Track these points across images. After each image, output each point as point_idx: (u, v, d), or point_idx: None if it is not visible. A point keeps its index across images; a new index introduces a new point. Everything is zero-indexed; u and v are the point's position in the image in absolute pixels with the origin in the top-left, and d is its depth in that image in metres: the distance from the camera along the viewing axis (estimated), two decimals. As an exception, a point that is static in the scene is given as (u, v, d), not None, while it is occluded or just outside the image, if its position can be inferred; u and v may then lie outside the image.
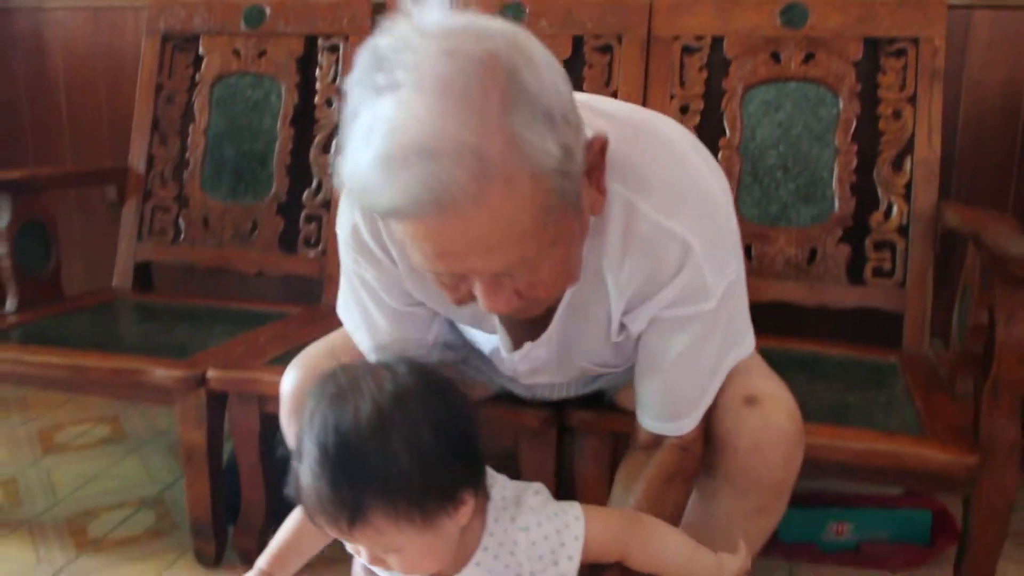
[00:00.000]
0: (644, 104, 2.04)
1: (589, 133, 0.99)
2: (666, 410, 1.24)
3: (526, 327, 1.24)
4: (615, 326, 1.20)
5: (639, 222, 1.09)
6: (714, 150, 2.02)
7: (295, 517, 1.26)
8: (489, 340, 1.34)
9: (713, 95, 2.09)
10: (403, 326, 1.28)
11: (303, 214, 2.32)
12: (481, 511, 1.10)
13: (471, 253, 0.93)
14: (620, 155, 1.06)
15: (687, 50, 2.09)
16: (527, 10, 2.15)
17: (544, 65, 0.91)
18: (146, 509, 2.14)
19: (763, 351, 1.41)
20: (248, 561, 1.84)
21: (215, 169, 2.41)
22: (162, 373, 1.76)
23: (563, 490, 1.68)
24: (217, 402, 1.79)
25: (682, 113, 2.06)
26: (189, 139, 2.43)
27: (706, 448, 1.28)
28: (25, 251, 2.22)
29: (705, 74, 2.09)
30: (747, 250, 2.01)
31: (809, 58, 2.03)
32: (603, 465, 1.59)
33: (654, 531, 1.16)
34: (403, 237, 0.96)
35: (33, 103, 2.83)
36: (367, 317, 1.30)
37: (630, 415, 1.32)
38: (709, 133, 2.04)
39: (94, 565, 1.90)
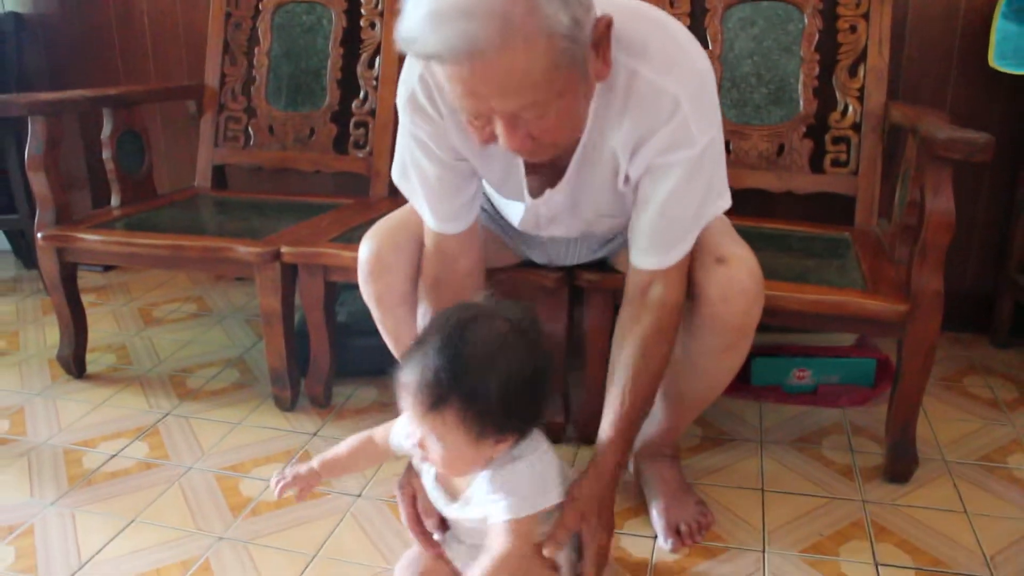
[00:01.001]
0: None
1: (598, 13, 1.11)
2: (655, 243, 1.32)
3: (546, 177, 1.35)
4: (621, 176, 1.31)
5: (639, 83, 1.20)
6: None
7: (353, 439, 1.35)
8: (516, 211, 1.46)
9: (697, 14, 2.14)
10: (450, 176, 1.38)
11: (352, 121, 2.39)
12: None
13: (492, 95, 1.06)
14: (625, 32, 1.17)
15: None
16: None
17: None
18: (231, 367, 2.29)
19: (739, 229, 1.53)
20: (317, 405, 2.03)
21: (277, 84, 2.48)
22: (244, 250, 1.89)
23: (573, 338, 1.82)
24: (289, 273, 1.92)
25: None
26: (254, 59, 2.49)
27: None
28: (124, 156, 2.33)
29: None
30: (726, 145, 2.09)
31: None
32: (606, 318, 1.72)
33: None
34: (441, 79, 1.09)
35: (121, 29, 2.87)
36: (421, 175, 1.39)
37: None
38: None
39: (194, 409, 2.07)
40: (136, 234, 2.04)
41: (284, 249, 1.88)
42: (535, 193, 1.39)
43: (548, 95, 1.08)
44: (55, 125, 2.09)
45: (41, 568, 1.50)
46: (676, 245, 1.33)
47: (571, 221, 1.46)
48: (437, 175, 1.38)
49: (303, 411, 2.05)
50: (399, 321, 1.57)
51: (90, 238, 2.03)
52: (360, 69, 2.38)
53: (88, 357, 2.28)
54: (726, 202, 1.37)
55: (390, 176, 2.19)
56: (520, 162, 1.34)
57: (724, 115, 2.09)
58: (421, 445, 1.16)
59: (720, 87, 2.11)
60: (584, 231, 1.52)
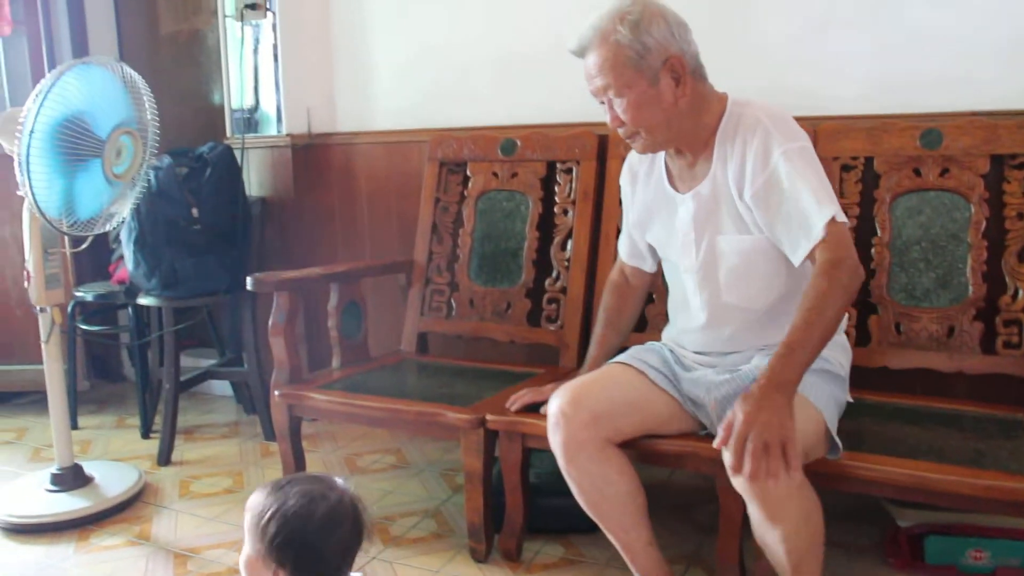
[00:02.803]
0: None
1: (684, 56, 1.75)
2: (800, 230, 1.70)
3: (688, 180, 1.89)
4: (735, 189, 1.78)
5: (742, 116, 1.78)
6: (868, 247, 2.24)
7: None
8: (688, 276, 1.92)
9: (867, 203, 2.28)
10: (636, 230, 2.06)
11: (545, 297, 2.61)
12: None
13: (593, 75, 1.77)
14: (747, 104, 1.80)
15: (845, 168, 2.29)
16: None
17: (657, 20, 1.72)
18: (428, 518, 2.49)
19: (909, 408, 1.67)
20: (509, 559, 2.19)
21: (479, 262, 2.75)
22: (454, 416, 2.12)
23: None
24: (491, 438, 2.13)
25: None
26: (459, 239, 2.78)
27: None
28: (346, 324, 2.64)
29: (860, 186, 2.28)
30: (896, 327, 2.21)
31: (945, 172, 2.19)
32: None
33: None
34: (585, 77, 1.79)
35: (343, 212, 3.27)
36: (623, 221, 2.13)
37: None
38: (864, 233, 2.26)
39: (397, 555, 2.27)
40: (357, 396, 2.30)
41: (489, 417, 2.10)
42: (681, 193, 1.90)
43: (618, 82, 1.73)
44: (294, 298, 2.43)
45: None
46: (819, 219, 1.67)
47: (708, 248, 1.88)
48: (628, 224, 2.08)
49: (495, 563, 2.21)
50: (580, 470, 1.83)
51: (318, 397, 2.32)
52: (553, 251, 2.63)
53: (304, 501, 2.53)
54: (840, 215, 1.70)
55: (579, 348, 2.41)
56: (674, 210, 1.90)
57: (893, 299, 2.22)
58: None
59: (889, 272, 2.23)
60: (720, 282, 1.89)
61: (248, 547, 1.36)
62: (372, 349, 2.78)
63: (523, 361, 2.71)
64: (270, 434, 3.13)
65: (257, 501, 1.35)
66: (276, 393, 2.39)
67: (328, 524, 1.32)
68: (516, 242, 2.70)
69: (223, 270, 3.02)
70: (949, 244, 2.20)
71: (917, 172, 2.22)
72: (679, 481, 2.68)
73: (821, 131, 2.31)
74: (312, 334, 3.24)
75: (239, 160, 3.16)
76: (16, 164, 2.30)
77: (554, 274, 2.62)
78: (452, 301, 2.77)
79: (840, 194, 2.28)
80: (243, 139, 3.27)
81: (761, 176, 1.73)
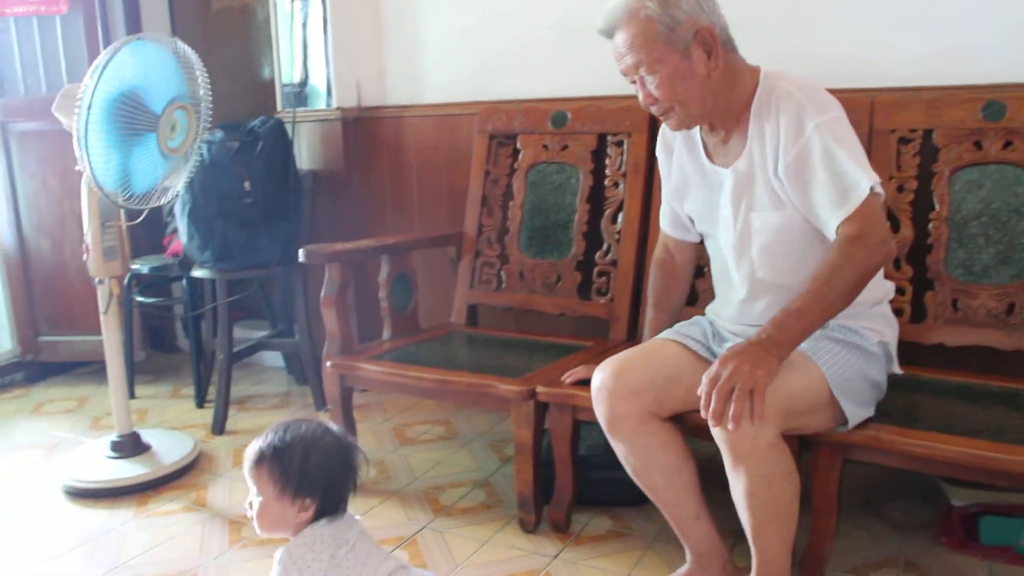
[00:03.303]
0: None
1: (714, 26, 1.74)
2: (834, 200, 1.68)
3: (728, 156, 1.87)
4: (771, 165, 1.76)
5: (775, 89, 1.76)
6: (925, 222, 2.20)
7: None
8: (728, 251, 1.91)
9: (924, 176, 2.23)
10: (675, 198, 2.04)
11: (595, 270, 2.61)
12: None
13: (624, 54, 1.75)
14: (779, 77, 1.78)
15: (903, 140, 2.25)
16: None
17: None
18: (477, 489, 2.52)
19: (965, 385, 1.64)
20: (558, 530, 2.21)
21: (528, 234, 2.75)
22: (504, 387, 2.14)
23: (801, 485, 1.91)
24: (542, 410, 2.14)
25: (898, 192, 2.23)
26: (509, 212, 2.79)
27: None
28: (396, 295, 2.67)
29: (918, 160, 2.24)
30: (953, 303, 2.17)
31: (1008, 145, 2.13)
32: (835, 469, 1.82)
33: None
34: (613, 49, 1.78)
35: (393, 185, 3.29)
36: (663, 192, 2.08)
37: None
38: (921, 208, 2.22)
39: (447, 524, 2.30)
40: (408, 367, 2.33)
41: (539, 389, 2.11)
42: (723, 169, 1.88)
43: (650, 58, 1.72)
44: (346, 270, 2.45)
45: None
46: (851, 191, 1.67)
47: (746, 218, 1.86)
48: (667, 194, 2.06)
49: (544, 534, 2.23)
50: (624, 442, 1.85)
51: (370, 368, 2.35)
52: (604, 223, 2.62)
53: (355, 470, 2.58)
54: (876, 186, 1.68)
55: (628, 320, 2.41)
56: (712, 184, 1.90)
57: (951, 275, 2.18)
58: (250, 504, 1.47)
59: (947, 248, 2.19)
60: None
61: (262, 494, 1.45)
62: (422, 321, 2.80)
63: (572, 334, 2.71)
64: (321, 404, 3.18)
65: (257, 447, 1.47)
66: (328, 364, 2.42)
67: (340, 451, 1.49)
68: (566, 214, 2.69)
69: (275, 243, 3.06)
70: (1011, 219, 2.14)
71: (978, 145, 2.17)
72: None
73: (878, 103, 2.27)
74: (362, 306, 3.27)
75: (290, 134, 3.18)
76: (75, 139, 2.35)
77: (604, 247, 2.61)
78: (502, 273, 2.78)
79: (897, 167, 2.25)
80: (294, 113, 3.29)
81: (793, 150, 1.72)
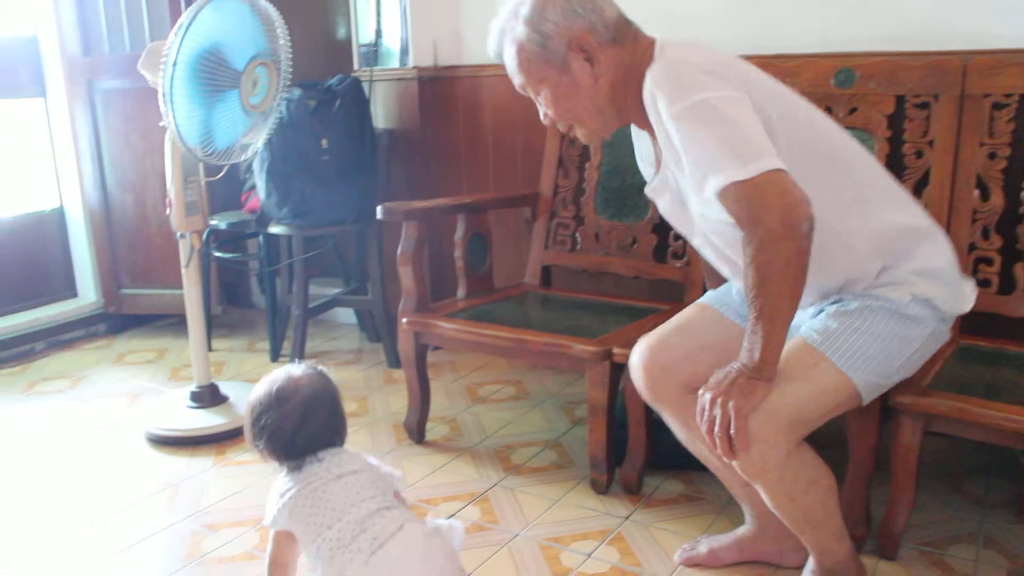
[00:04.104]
0: (955, 153, 2.19)
1: (592, 37, 1.59)
2: (695, 190, 1.53)
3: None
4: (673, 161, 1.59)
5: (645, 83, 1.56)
6: (1017, 189, 2.14)
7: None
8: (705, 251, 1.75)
9: (1018, 144, 2.16)
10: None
11: (672, 232, 2.58)
12: None
13: (512, 75, 1.68)
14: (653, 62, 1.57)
15: (997, 106, 2.17)
16: (857, 74, 2.30)
17: (551, 2, 1.59)
18: (549, 449, 2.53)
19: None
20: (629, 491, 2.22)
21: (605, 196, 2.73)
22: (580, 348, 2.14)
23: (881, 456, 1.89)
24: (617, 371, 2.14)
25: (990, 159, 2.16)
26: (585, 173, 2.77)
27: None
28: (471, 255, 2.68)
29: (1012, 126, 2.16)
30: None
31: None
32: (916, 439, 1.80)
33: None
34: None
35: (468, 144, 3.29)
36: None
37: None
38: (1014, 175, 2.15)
39: (518, 483, 2.33)
40: (485, 325, 2.35)
41: (616, 350, 2.10)
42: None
43: (531, 79, 1.65)
44: (423, 228, 2.47)
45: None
46: (708, 178, 1.47)
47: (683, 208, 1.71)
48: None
49: (615, 496, 2.24)
50: (666, 415, 1.88)
51: (445, 326, 2.37)
52: (681, 186, 2.58)
53: (427, 426, 2.62)
54: (767, 164, 1.43)
55: (704, 285, 2.39)
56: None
57: None
58: None
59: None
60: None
61: None
62: (495, 281, 2.81)
63: (646, 296, 2.71)
64: (393, 362, 3.22)
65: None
66: (404, 321, 2.45)
67: (279, 404, 1.59)
68: (643, 176, 2.64)
69: (351, 200, 3.09)
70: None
71: (1079, 109, 2.09)
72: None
73: (972, 67, 2.19)
74: (435, 266, 3.30)
75: (367, 92, 3.20)
76: (160, 95, 2.39)
77: (682, 210, 2.58)
78: (577, 235, 2.77)
79: (989, 133, 2.18)
80: (371, 72, 3.31)
81: (668, 149, 1.59)
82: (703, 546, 1.94)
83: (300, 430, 1.56)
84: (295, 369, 1.63)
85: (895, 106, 2.28)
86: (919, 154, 2.24)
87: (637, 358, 1.83)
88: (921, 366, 1.70)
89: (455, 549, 1.58)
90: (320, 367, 1.65)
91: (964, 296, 1.73)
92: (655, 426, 2.23)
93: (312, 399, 1.59)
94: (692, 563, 1.92)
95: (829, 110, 2.28)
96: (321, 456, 1.57)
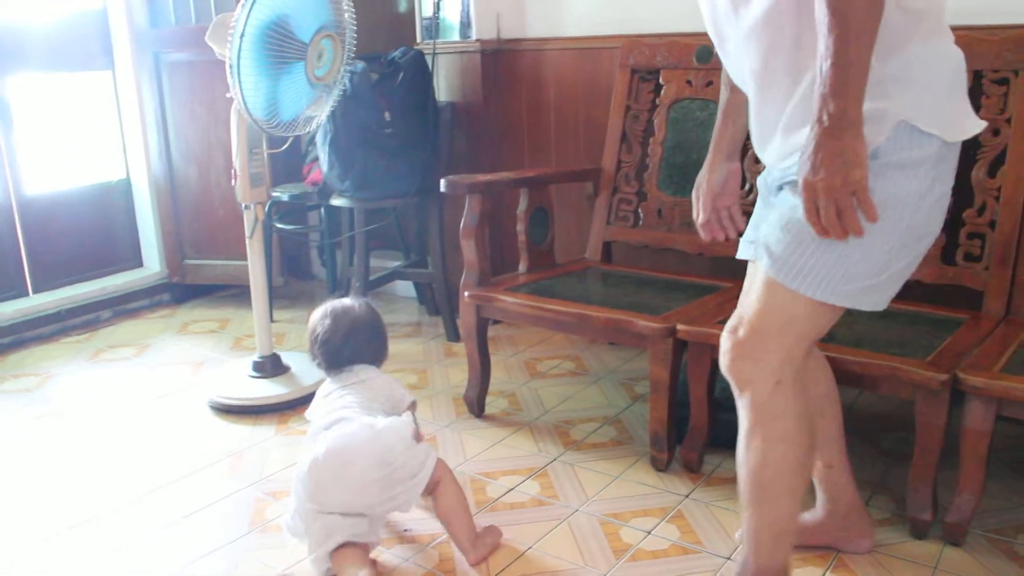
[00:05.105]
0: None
1: None
2: None
3: None
4: None
5: None
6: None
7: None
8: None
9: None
10: None
11: (737, 210, 2.57)
12: None
13: None
14: None
15: None
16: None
17: None
18: (608, 425, 2.53)
19: None
20: (689, 469, 2.21)
21: (668, 171, 2.71)
22: (644, 324, 2.13)
23: (948, 439, 1.86)
24: (680, 348, 2.13)
25: None
26: (648, 148, 2.75)
27: None
28: (533, 229, 2.68)
29: None
30: None
31: None
32: (987, 423, 1.76)
33: None
34: None
35: (530, 118, 3.29)
36: None
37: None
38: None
39: (577, 458, 2.33)
40: (547, 300, 2.35)
41: (680, 327, 2.09)
42: None
43: None
44: (486, 201, 2.47)
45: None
46: None
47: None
48: None
49: (675, 473, 2.23)
50: None
51: (507, 299, 2.38)
52: (748, 163, 2.55)
53: (486, 400, 2.63)
54: None
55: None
56: None
57: None
58: None
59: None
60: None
61: None
62: (557, 256, 2.81)
63: (708, 274, 2.67)
64: (452, 335, 3.24)
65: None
66: (466, 294, 2.46)
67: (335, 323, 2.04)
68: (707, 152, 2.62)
69: (412, 173, 3.11)
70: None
71: None
72: (864, 403, 2.61)
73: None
74: (495, 240, 3.30)
75: (430, 66, 3.21)
76: (227, 67, 2.42)
77: (746, 187, 2.54)
78: (639, 211, 2.75)
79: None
80: (434, 45, 3.31)
81: None
82: None
83: (347, 342, 2.02)
84: (349, 299, 2.11)
85: (972, 81, 2.19)
86: (995, 132, 2.18)
87: (723, 343, 1.62)
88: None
89: (388, 442, 1.82)
90: (368, 300, 2.14)
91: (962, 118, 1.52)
92: (716, 405, 2.22)
93: (359, 320, 2.06)
94: None
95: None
96: (356, 369, 2.02)
